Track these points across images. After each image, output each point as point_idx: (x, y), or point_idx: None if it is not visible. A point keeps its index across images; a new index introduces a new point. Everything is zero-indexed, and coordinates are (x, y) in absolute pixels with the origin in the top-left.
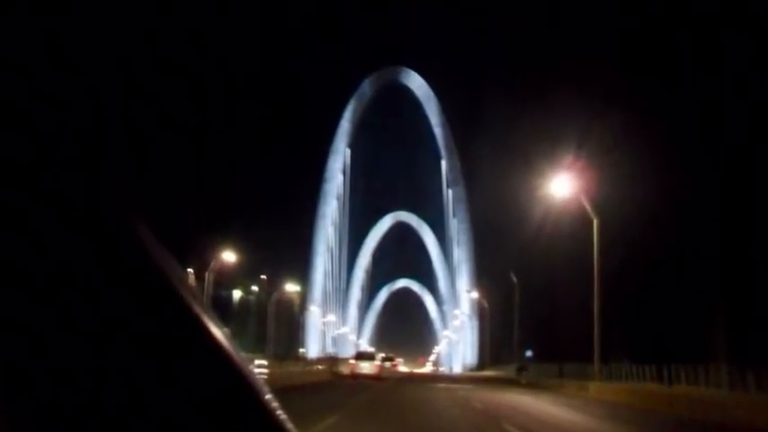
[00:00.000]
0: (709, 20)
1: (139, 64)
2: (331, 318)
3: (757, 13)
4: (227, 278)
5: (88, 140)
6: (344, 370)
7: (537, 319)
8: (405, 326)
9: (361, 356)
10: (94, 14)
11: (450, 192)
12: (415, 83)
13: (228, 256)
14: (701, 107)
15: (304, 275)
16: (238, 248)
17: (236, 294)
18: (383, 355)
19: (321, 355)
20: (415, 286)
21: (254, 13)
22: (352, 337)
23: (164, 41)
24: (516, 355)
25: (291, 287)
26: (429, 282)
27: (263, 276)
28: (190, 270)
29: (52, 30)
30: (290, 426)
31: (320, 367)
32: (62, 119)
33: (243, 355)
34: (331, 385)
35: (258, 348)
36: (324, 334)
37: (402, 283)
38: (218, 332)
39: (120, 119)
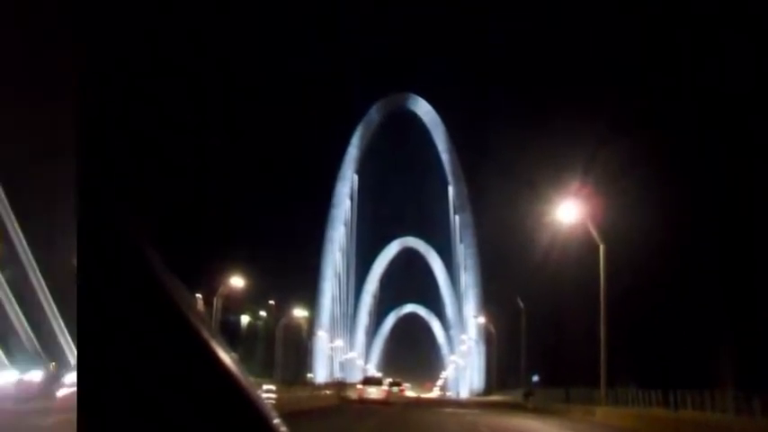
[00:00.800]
0: (709, 20)
1: (139, 64)
2: (338, 343)
3: (757, 13)
4: (236, 303)
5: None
6: (352, 395)
7: (543, 344)
8: (412, 351)
9: (368, 381)
10: (94, 14)
11: (457, 217)
12: (422, 109)
13: (237, 282)
14: (700, 115)
15: (312, 301)
16: (246, 274)
17: (245, 319)
18: (390, 379)
19: (329, 380)
20: (422, 311)
21: (254, 13)
22: (360, 362)
23: (164, 41)
24: (523, 379)
25: (299, 312)
26: (436, 307)
27: (271, 302)
28: (198, 295)
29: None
30: None
31: (328, 392)
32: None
33: (251, 379)
34: (339, 410)
35: (266, 373)
36: (331, 359)
37: (409, 308)
38: (226, 357)
39: (120, 118)
